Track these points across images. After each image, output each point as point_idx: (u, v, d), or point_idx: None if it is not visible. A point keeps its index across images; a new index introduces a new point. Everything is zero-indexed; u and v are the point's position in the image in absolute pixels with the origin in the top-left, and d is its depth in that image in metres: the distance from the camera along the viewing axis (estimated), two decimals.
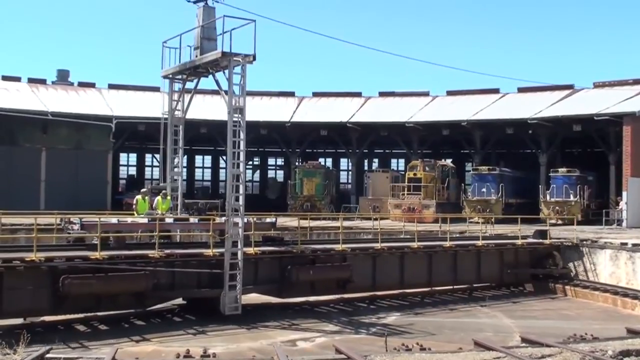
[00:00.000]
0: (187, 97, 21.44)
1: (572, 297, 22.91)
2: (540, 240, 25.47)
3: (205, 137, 43.24)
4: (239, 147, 17.98)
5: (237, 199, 18.04)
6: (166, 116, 21.22)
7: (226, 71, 18.22)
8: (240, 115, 17.85)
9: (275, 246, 20.19)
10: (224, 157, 52.62)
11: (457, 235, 27.32)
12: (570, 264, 24.69)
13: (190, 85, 21.30)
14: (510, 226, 29.60)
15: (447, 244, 23.04)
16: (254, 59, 17.89)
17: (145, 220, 19.38)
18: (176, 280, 17.79)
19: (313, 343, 15.57)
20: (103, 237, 17.49)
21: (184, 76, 20.64)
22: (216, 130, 37.45)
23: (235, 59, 17.79)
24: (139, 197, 21.75)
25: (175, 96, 21.13)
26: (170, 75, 20.61)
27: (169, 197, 20.95)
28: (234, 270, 17.39)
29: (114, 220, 20.02)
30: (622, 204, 34.08)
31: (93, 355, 10.58)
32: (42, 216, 26.82)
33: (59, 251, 17.19)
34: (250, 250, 18.61)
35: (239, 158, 18.07)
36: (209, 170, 59.04)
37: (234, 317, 17.45)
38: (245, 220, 18.64)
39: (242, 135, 17.84)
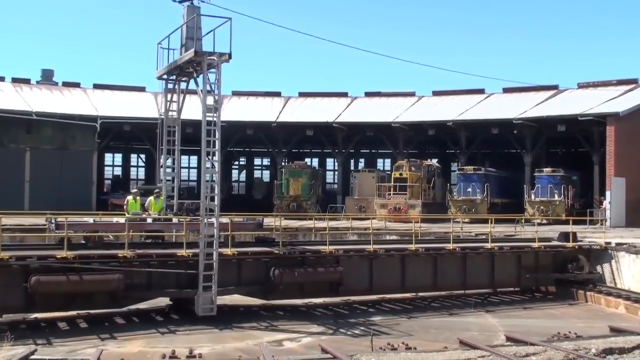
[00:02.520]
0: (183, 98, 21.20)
1: (592, 303, 21.56)
2: (563, 243, 23.92)
3: (191, 137, 43.06)
4: (213, 147, 17.73)
5: (212, 199, 17.78)
6: (162, 117, 20.94)
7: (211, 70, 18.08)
8: (215, 115, 17.64)
9: (266, 247, 19.79)
10: (209, 157, 52.47)
11: (469, 237, 26.20)
12: (599, 269, 23.23)
13: (184, 86, 21.12)
14: (498, 226, 29.52)
15: (451, 246, 21.72)
16: (230, 57, 17.59)
17: (122, 220, 19.22)
18: (153, 280, 17.60)
19: (299, 343, 15.56)
20: (77, 237, 17.64)
21: (174, 77, 20.48)
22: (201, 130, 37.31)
23: (209, 57, 17.59)
24: (129, 197, 21.65)
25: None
26: (165, 76, 20.45)
27: (162, 198, 20.83)
28: (209, 271, 17.11)
29: (90, 220, 19.87)
30: (606, 204, 34.39)
31: (77, 357, 10.50)
32: (25, 216, 26.64)
33: (33, 250, 17.22)
34: (227, 250, 18.20)
35: (214, 157, 17.84)
36: (195, 170, 58.84)
37: (216, 317, 17.38)
38: (226, 220, 18.54)
39: (217, 135, 17.66)
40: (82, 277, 16.27)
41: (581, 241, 24.20)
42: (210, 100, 17.78)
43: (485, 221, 29.91)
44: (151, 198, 21.14)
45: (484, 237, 24.30)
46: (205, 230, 17.29)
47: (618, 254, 22.66)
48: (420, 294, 21.88)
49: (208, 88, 17.92)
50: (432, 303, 21.17)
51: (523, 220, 31.27)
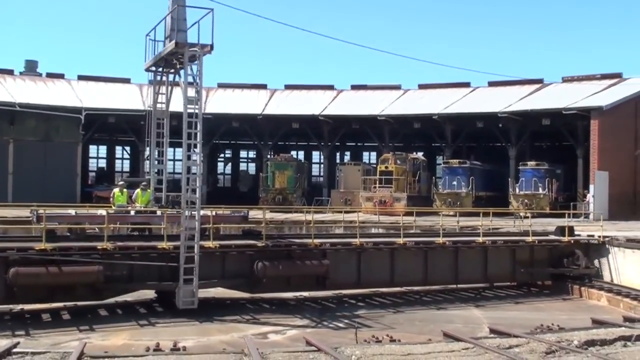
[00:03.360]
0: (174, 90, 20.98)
1: (586, 298, 21.35)
2: (559, 238, 23.59)
3: (175, 129, 42.89)
4: (195, 139, 17.60)
5: (193, 191, 17.65)
6: (150, 109, 20.77)
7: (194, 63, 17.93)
8: (197, 107, 17.52)
9: (252, 240, 19.58)
10: (196, 150, 52.27)
11: (461, 231, 25.95)
12: (596, 263, 22.86)
13: (172, 78, 20.92)
14: (485, 219, 29.56)
15: (441, 240, 21.48)
16: (212, 49, 17.39)
17: (103, 213, 19.12)
18: (135, 273, 17.51)
19: (284, 336, 15.59)
20: (63, 229, 17.61)
21: (160, 69, 20.31)
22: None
23: (191, 49, 17.41)
24: (116, 190, 21.53)
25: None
26: (153, 68, 20.28)
27: (149, 190, 20.70)
28: (190, 263, 17.02)
29: (71, 211, 19.77)
30: (589, 197, 34.66)
31: (61, 350, 10.44)
32: (8, 208, 26.47)
33: (13, 242, 17.17)
34: (209, 243, 18.08)
35: (195, 150, 17.72)
36: (180, 162, 58.66)
37: (202, 310, 17.35)
38: (209, 213, 18.42)
39: (199, 127, 17.56)
40: (61, 269, 16.23)
41: (579, 235, 23.85)
42: (191, 92, 17.63)
43: (470, 214, 30.11)
44: (138, 190, 21.06)
45: (476, 230, 23.89)
46: (186, 223, 17.21)
47: (615, 248, 22.31)
48: (411, 288, 21.64)
49: (190, 80, 17.78)
50: (424, 297, 21.00)
51: (519, 215, 31.32)
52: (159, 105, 20.38)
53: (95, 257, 16.82)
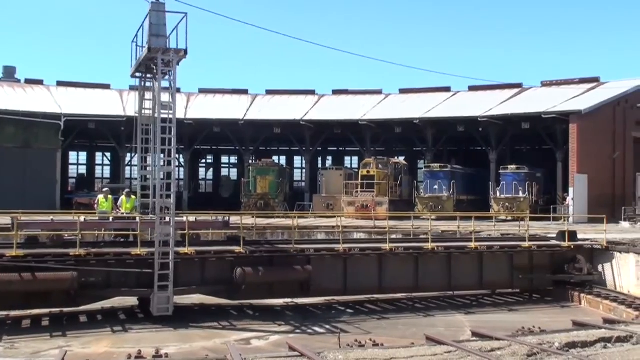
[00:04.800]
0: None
1: (585, 306, 20.50)
2: (559, 243, 22.64)
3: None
4: (169, 144, 17.42)
5: (167, 197, 17.52)
6: (134, 115, 20.57)
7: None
8: (171, 112, 17.35)
9: (233, 246, 19.33)
10: (176, 155, 52.04)
11: (455, 236, 25.21)
12: (600, 270, 21.96)
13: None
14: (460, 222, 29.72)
15: (430, 245, 20.84)
16: (186, 53, 17.29)
17: (82, 219, 18.99)
18: (112, 279, 17.37)
19: (267, 341, 15.55)
20: (44, 236, 17.61)
21: (142, 74, 20.17)
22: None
23: (164, 54, 17.29)
24: (100, 196, 21.39)
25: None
26: (138, 74, 20.14)
27: (133, 197, 20.56)
28: (165, 270, 16.85)
29: (47, 218, 19.64)
30: (569, 200, 34.99)
31: (41, 359, 10.35)
32: None
33: None
34: (185, 249, 17.92)
35: (169, 155, 17.56)
36: None
37: (185, 317, 17.29)
38: (189, 219, 18.30)
39: (172, 132, 17.41)
40: (35, 275, 16.08)
41: (584, 240, 22.98)
42: (165, 97, 17.54)
43: (453, 218, 30.17)
44: (123, 197, 20.96)
45: (469, 235, 23.17)
46: (160, 229, 17.09)
47: (618, 254, 21.43)
48: (405, 295, 21.15)
49: (166, 85, 17.69)
50: (417, 304, 20.53)
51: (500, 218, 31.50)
52: (145, 112, 20.22)
53: (70, 264, 16.68)
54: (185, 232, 18.41)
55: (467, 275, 21.41)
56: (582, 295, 20.97)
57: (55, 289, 16.54)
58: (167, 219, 17.38)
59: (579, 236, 23.23)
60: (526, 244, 22.17)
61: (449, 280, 21.20)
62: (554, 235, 23.56)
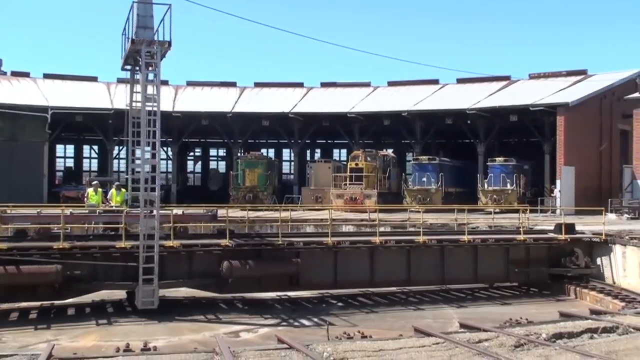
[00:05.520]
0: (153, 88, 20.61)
1: (581, 300, 20.26)
2: (555, 235, 22.30)
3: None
4: (153, 137, 17.39)
5: (152, 190, 17.43)
6: (120, 108, 20.47)
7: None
8: (155, 104, 17.28)
9: (220, 239, 19.22)
10: (164, 148, 51.86)
11: (445, 228, 25.07)
12: (599, 263, 21.64)
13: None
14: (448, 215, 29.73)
15: (421, 239, 20.61)
16: (170, 45, 17.24)
17: (68, 212, 18.92)
18: (98, 273, 17.35)
19: (256, 334, 15.59)
20: (27, 228, 17.72)
21: (132, 67, 20.05)
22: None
23: (148, 46, 17.22)
24: (90, 190, 21.31)
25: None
26: (128, 67, 20.03)
27: (123, 190, 20.49)
28: (150, 263, 16.81)
29: (33, 211, 19.58)
30: (556, 192, 35.18)
31: (29, 352, 10.30)
32: None
33: None
34: (170, 242, 17.84)
35: (153, 148, 17.53)
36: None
37: (174, 310, 17.29)
38: (172, 212, 18.23)
39: (157, 125, 17.35)
40: (19, 269, 16.10)
41: (582, 233, 22.66)
42: (150, 90, 17.45)
43: (441, 210, 30.28)
44: (113, 190, 20.90)
45: (461, 229, 22.90)
46: (145, 222, 17.02)
47: (618, 246, 21.04)
48: (395, 288, 21.04)
49: (152, 77, 17.60)
50: (410, 298, 20.50)
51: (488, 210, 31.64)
52: (135, 104, 20.08)
53: (55, 257, 16.63)
54: (170, 224, 18.33)
55: (461, 269, 21.25)
56: (577, 289, 20.80)
57: (40, 282, 16.54)
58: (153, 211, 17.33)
59: (599, 228, 22.67)
60: (521, 236, 21.87)
61: (443, 274, 21.05)
62: (552, 228, 23.23)
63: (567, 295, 21.05)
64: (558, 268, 21.71)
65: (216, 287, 18.66)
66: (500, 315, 16.93)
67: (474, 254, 21.40)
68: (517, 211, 27.33)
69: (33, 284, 16.53)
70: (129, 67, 19.82)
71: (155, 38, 17.31)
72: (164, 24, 17.21)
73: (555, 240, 22.12)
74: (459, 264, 21.25)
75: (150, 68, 17.70)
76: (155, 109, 17.28)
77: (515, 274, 21.74)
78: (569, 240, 21.91)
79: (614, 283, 20.76)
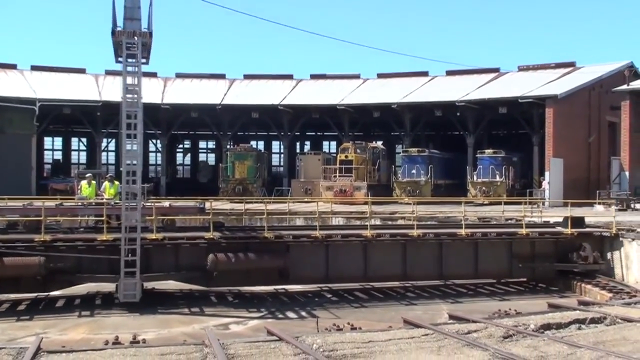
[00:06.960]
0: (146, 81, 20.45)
1: (586, 298, 18.84)
2: (562, 230, 21.21)
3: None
4: (135, 129, 17.27)
5: (134, 182, 17.33)
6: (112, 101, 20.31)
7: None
8: (135, 97, 17.19)
9: (206, 232, 19.08)
10: (153, 140, 51.64)
11: (449, 221, 24.09)
12: (609, 258, 20.68)
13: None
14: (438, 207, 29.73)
15: (415, 232, 19.89)
16: (150, 36, 17.15)
17: (52, 205, 18.83)
18: (83, 265, 17.30)
19: (246, 326, 15.60)
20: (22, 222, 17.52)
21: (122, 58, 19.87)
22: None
23: (128, 37, 17.10)
24: (83, 182, 21.19)
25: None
26: (121, 59, 19.85)
27: (116, 182, 20.39)
28: (133, 256, 16.73)
29: (19, 204, 19.49)
30: (545, 184, 35.31)
31: (17, 346, 10.25)
32: None
33: None
34: (152, 235, 17.65)
35: (135, 139, 17.43)
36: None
37: (164, 302, 17.26)
38: (155, 204, 18.12)
39: (139, 117, 17.24)
40: (3, 261, 16.11)
41: (591, 226, 21.66)
42: (131, 81, 17.34)
43: (431, 203, 30.27)
44: (106, 182, 20.82)
45: (460, 222, 21.65)
46: (127, 215, 16.92)
47: (627, 241, 20.14)
48: (391, 283, 20.62)
49: (129, 69, 17.45)
50: (406, 292, 20.18)
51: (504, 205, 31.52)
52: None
53: (39, 249, 16.56)
54: (153, 217, 18.17)
55: (460, 264, 20.59)
56: (583, 285, 19.88)
57: (23, 274, 16.51)
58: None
59: (553, 220, 22.50)
60: (524, 230, 20.80)
61: (440, 269, 20.49)
62: (560, 221, 22.14)
63: (573, 291, 20.14)
64: (565, 264, 20.84)
65: (203, 281, 18.49)
66: (489, 307, 17.10)
67: (474, 248, 20.70)
68: (505, 203, 27.21)
69: (16, 276, 16.49)
70: (121, 59, 19.68)
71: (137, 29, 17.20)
72: (150, 16, 17.15)
73: (562, 234, 21.08)
74: (458, 259, 20.60)
75: (143, 60, 17.55)
76: (136, 100, 17.15)
77: (519, 269, 20.92)
78: (576, 234, 20.90)
79: (624, 280, 19.84)
